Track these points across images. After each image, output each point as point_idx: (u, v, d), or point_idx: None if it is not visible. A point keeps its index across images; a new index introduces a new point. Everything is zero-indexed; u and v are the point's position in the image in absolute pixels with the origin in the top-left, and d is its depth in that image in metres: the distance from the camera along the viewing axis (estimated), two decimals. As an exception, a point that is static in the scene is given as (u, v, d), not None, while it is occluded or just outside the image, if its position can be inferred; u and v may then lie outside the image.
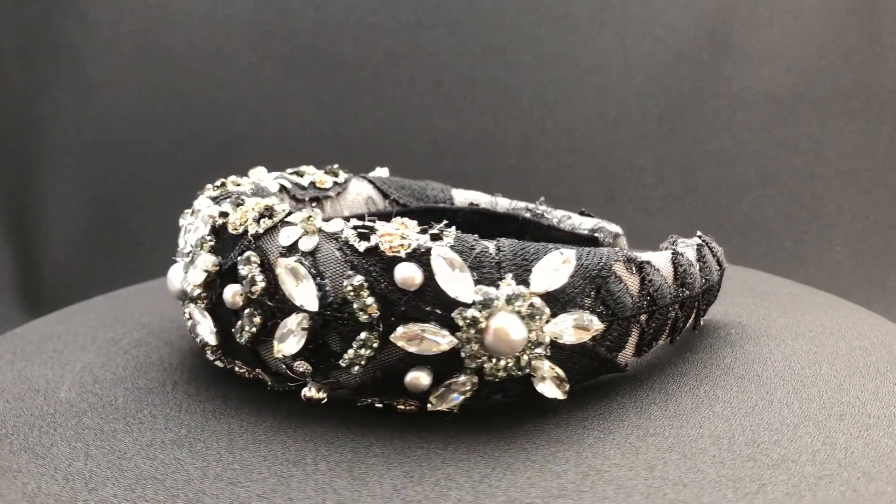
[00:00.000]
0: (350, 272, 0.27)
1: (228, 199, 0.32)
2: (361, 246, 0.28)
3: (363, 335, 0.28)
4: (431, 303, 0.27)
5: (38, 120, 0.94)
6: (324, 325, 0.28)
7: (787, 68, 0.92)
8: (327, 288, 0.28)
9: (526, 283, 0.28)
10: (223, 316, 0.31)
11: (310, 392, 0.30)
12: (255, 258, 0.29)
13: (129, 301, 0.49)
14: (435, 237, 0.28)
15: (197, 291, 0.31)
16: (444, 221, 0.29)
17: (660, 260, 0.31)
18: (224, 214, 0.31)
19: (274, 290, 0.29)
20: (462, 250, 0.27)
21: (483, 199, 0.53)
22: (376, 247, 0.28)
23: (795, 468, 0.26)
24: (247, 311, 0.30)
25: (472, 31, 0.92)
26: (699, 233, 0.37)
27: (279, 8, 0.92)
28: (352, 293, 0.27)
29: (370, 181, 0.49)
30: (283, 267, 0.28)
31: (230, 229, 0.30)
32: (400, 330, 0.27)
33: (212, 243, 0.31)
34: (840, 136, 0.93)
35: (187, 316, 0.33)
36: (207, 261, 0.31)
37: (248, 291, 0.29)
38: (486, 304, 0.27)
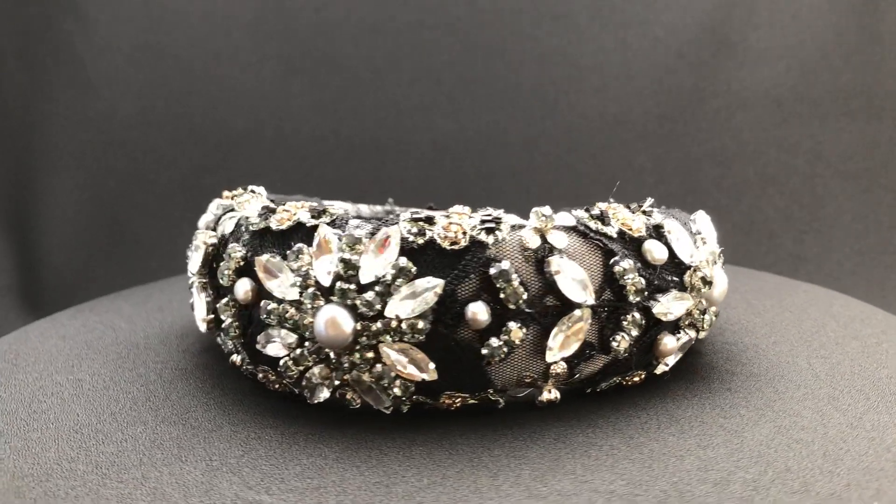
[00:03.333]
0: (616, 258, 0.29)
1: (409, 219, 0.28)
2: (612, 231, 0.29)
3: (634, 316, 0.29)
4: (671, 272, 0.30)
5: (38, 120, 0.94)
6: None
7: (787, 68, 0.92)
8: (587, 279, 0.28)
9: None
10: (440, 346, 0.28)
11: (550, 395, 0.30)
12: (511, 267, 0.27)
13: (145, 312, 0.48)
14: (647, 213, 0.31)
15: (420, 324, 0.27)
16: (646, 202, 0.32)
17: None
18: (422, 234, 0.27)
19: (534, 296, 0.28)
20: None
21: (350, 207, 0.54)
22: (622, 231, 0.29)
23: None
24: (511, 324, 0.27)
25: (472, 31, 0.92)
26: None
27: (279, 8, 0.92)
28: (624, 277, 0.28)
29: (272, 201, 0.48)
30: (558, 267, 0.27)
31: (445, 245, 0.27)
32: (663, 300, 0.30)
33: (414, 269, 0.27)
34: (840, 136, 0.93)
35: (333, 366, 0.28)
36: (433, 285, 0.27)
37: (513, 304, 0.27)
38: (711, 263, 0.31)
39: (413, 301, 0.27)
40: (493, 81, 0.93)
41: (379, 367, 0.28)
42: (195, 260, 0.34)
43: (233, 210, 0.35)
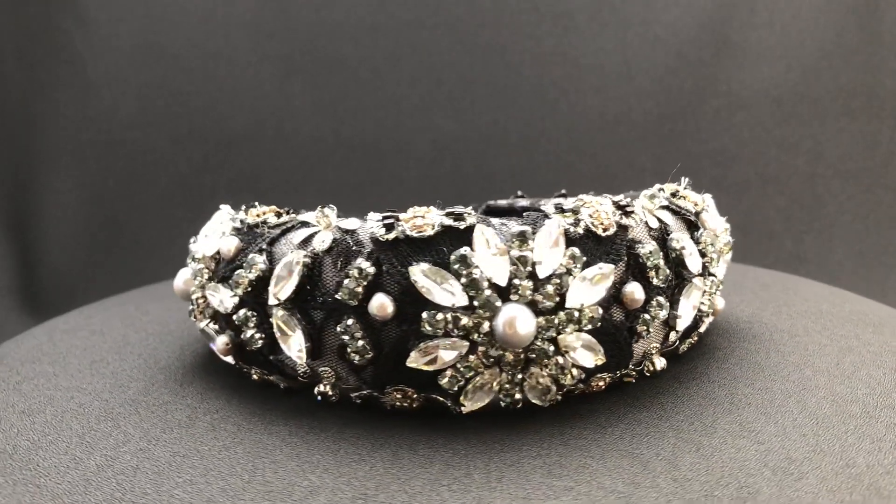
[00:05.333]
0: (700, 231, 0.32)
1: (558, 211, 0.28)
2: (690, 206, 0.33)
3: (713, 280, 0.33)
4: (706, 244, 0.33)
5: (38, 120, 0.94)
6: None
7: (787, 68, 0.92)
8: None
9: None
10: (599, 330, 0.28)
11: (661, 363, 0.31)
12: (656, 247, 0.29)
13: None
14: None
15: (600, 311, 0.27)
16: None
17: None
18: (577, 223, 0.28)
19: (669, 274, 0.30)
20: None
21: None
22: (694, 211, 0.33)
23: None
24: (661, 299, 0.29)
25: (472, 31, 0.92)
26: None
27: (279, 8, 0.92)
28: (708, 246, 0.32)
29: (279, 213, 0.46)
30: (683, 243, 0.30)
31: (600, 231, 0.28)
32: (716, 268, 0.33)
33: (584, 258, 0.27)
34: (840, 136, 0.93)
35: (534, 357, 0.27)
36: (606, 270, 0.27)
37: (657, 281, 0.29)
38: (727, 231, 0.36)
39: (592, 288, 0.27)
40: (493, 81, 0.93)
41: (559, 359, 0.27)
42: (288, 288, 0.29)
43: (299, 226, 0.31)
